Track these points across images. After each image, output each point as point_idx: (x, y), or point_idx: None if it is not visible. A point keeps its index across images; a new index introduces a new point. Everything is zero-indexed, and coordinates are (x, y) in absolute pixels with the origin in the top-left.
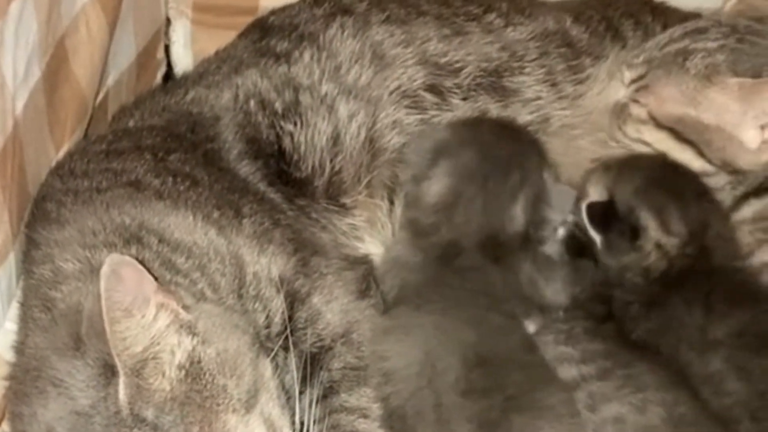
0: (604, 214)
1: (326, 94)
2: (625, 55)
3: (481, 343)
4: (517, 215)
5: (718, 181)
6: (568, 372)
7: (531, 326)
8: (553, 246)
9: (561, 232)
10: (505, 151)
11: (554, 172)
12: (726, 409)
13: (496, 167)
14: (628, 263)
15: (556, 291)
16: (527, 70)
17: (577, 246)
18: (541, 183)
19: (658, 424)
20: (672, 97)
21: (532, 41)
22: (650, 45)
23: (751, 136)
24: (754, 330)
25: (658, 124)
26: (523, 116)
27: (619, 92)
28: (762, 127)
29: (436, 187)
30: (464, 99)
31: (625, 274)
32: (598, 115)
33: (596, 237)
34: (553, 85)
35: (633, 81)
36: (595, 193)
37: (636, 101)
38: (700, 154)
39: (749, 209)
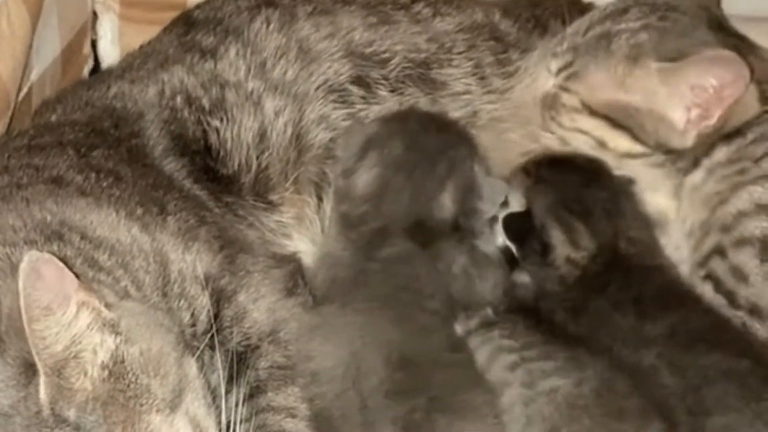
0: (520, 227)
1: (252, 91)
2: (549, 45)
3: (405, 343)
4: (446, 204)
5: (657, 159)
6: (507, 359)
7: (460, 325)
8: (488, 244)
9: (501, 240)
10: (432, 141)
11: (485, 164)
12: (662, 399)
13: (422, 157)
14: (544, 275)
15: (488, 289)
16: (455, 62)
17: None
18: (471, 174)
19: (588, 395)
20: (601, 83)
21: (460, 33)
22: (572, 31)
23: (678, 117)
24: (684, 329)
25: (592, 111)
26: (452, 111)
27: (548, 82)
28: (688, 108)
29: (363, 177)
30: (392, 91)
31: (544, 285)
32: (528, 108)
33: (513, 247)
34: (482, 78)
35: (560, 70)
36: (515, 200)
37: (566, 90)
38: (635, 138)
39: (720, 154)
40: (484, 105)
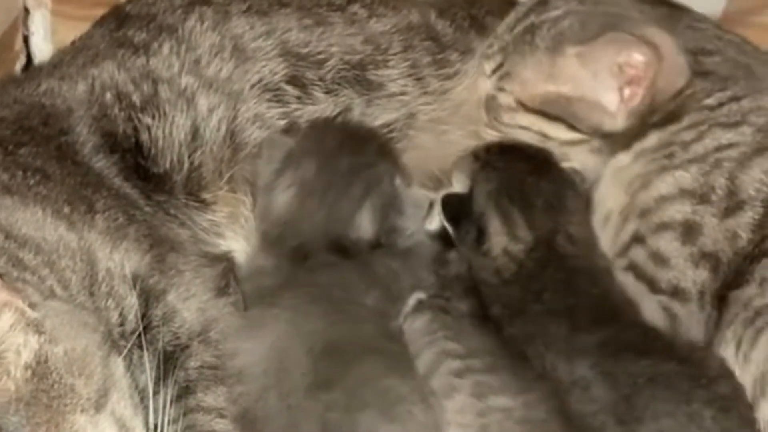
0: (458, 208)
1: (186, 88)
2: (482, 47)
3: (331, 332)
4: (364, 224)
5: (593, 144)
6: (452, 365)
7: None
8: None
9: (435, 223)
10: (347, 160)
11: (407, 178)
12: (591, 416)
13: (338, 177)
14: (480, 263)
15: (419, 278)
16: (391, 63)
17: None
18: (391, 191)
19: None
20: (531, 79)
21: (396, 34)
22: (500, 31)
23: (608, 100)
24: (617, 340)
25: (527, 108)
26: (388, 113)
27: (486, 85)
28: (613, 89)
29: (280, 198)
30: (327, 93)
31: (480, 274)
32: (469, 108)
33: (449, 228)
34: (419, 79)
35: (494, 71)
36: (458, 182)
37: (502, 90)
38: (571, 127)
39: (653, 139)
40: (422, 106)
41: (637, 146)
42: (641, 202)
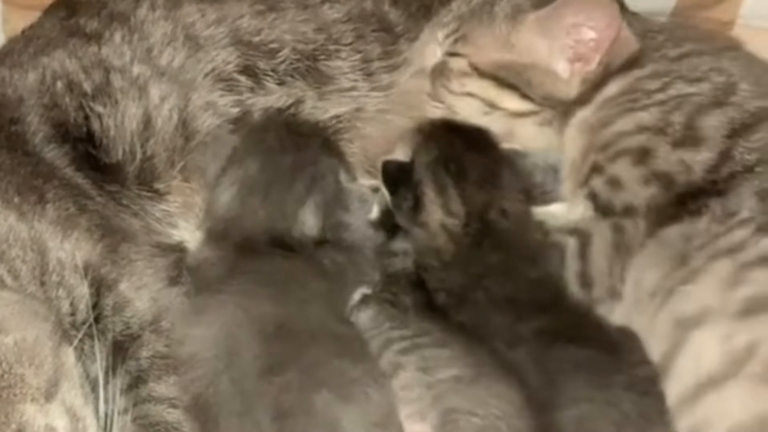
0: (398, 176)
1: (138, 76)
2: (436, 19)
3: (281, 315)
4: (308, 221)
5: (545, 116)
6: (399, 345)
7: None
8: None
9: (376, 210)
10: (290, 158)
11: (352, 173)
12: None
13: (280, 175)
14: (421, 245)
15: (363, 272)
16: (343, 54)
17: (391, 224)
18: (335, 188)
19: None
20: (487, 44)
21: (349, 23)
22: (457, 3)
23: (562, 68)
24: (552, 327)
25: (481, 73)
26: (339, 107)
27: (437, 53)
28: (568, 55)
29: (223, 197)
30: (279, 84)
31: (423, 259)
32: (414, 95)
33: (387, 195)
34: (369, 75)
35: (447, 36)
36: (401, 152)
37: (455, 54)
38: (524, 95)
39: (614, 87)
40: (370, 99)
41: (598, 98)
42: (601, 138)
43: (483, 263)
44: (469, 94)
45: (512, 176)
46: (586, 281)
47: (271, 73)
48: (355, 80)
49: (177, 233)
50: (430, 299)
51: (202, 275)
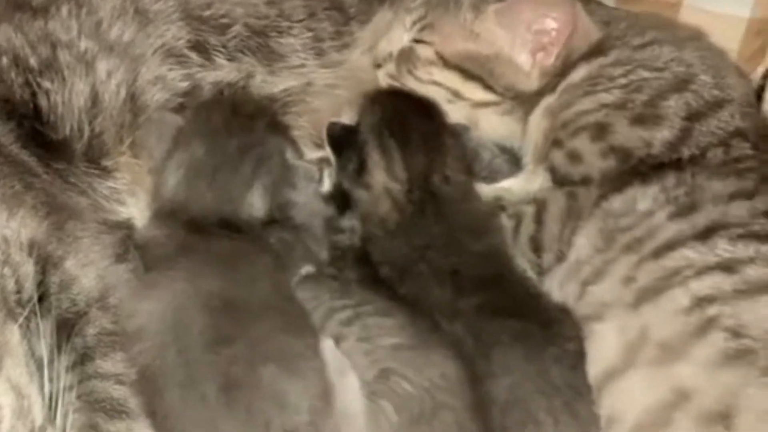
0: (343, 137)
1: (86, 51)
2: (403, 3)
3: (229, 292)
4: (256, 202)
5: (506, 107)
6: (341, 315)
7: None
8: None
9: (327, 183)
10: (235, 140)
11: (299, 149)
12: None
13: (226, 157)
14: (365, 210)
15: (310, 251)
16: (295, 31)
17: (342, 199)
18: (282, 166)
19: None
20: (453, 34)
21: None
22: None
23: (523, 59)
24: (493, 303)
25: (446, 63)
26: (288, 81)
27: (404, 38)
28: (529, 48)
29: (170, 180)
30: (230, 60)
31: (369, 229)
32: (364, 72)
33: (332, 157)
34: (319, 53)
35: (415, 23)
36: (347, 116)
37: (422, 41)
38: (487, 86)
39: (578, 74)
40: (319, 75)
41: (563, 84)
42: (563, 117)
43: (427, 233)
44: (435, 83)
45: (455, 145)
46: (537, 246)
47: (221, 49)
48: (306, 58)
49: (124, 210)
50: (376, 273)
51: (151, 253)
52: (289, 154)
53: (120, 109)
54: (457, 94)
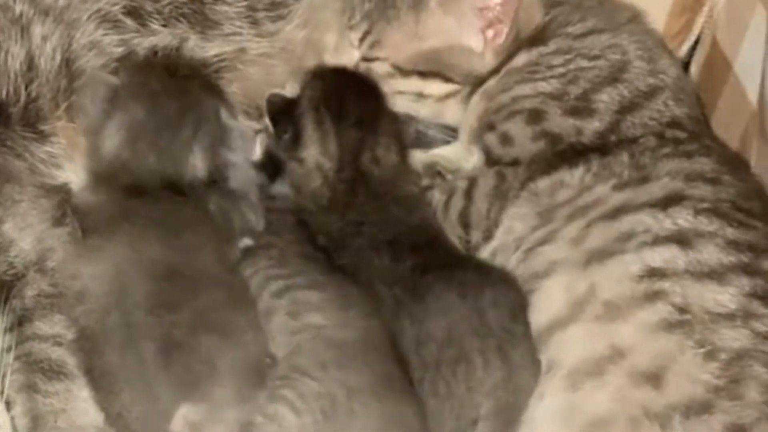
0: (281, 108)
1: (21, 15)
2: (345, 21)
3: (172, 258)
4: (196, 164)
5: (463, 92)
6: (274, 286)
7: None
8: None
9: (258, 151)
10: (174, 103)
11: (233, 111)
12: (400, 332)
13: (166, 121)
14: (297, 183)
15: (247, 220)
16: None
17: (273, 166)
18: (218, 127)
19: (352, 342)
20: (401, 41)
21: None
22: (357, 1)
23: (475, 42)
24: (427, 262)
25: (403, 72)
26: (220, 47)
27: (354, 55)
28: (478, 30)
29: (110, 141)
30: (165, 26)
31: (301, 202)
32: (298, 46)
33: (269, 126)
34: (254, 23)
35: (361, 41)
36: (290, 88)
37: (375, 59)
38: (447, 79)
39: (520, 60)
40: (253, 44)
41: (505, 68)
42: (499, 101)
43: (359, 211)
44: (399, 92)
45: (390, 126)
46: (466, 222)
47: (156, 16)
48: (240, 27)
49: (62, 174)
50: (314, 240)
51: (90, 217)
52: (224, 115)
53: (56, 73)
54: (420, 94)
